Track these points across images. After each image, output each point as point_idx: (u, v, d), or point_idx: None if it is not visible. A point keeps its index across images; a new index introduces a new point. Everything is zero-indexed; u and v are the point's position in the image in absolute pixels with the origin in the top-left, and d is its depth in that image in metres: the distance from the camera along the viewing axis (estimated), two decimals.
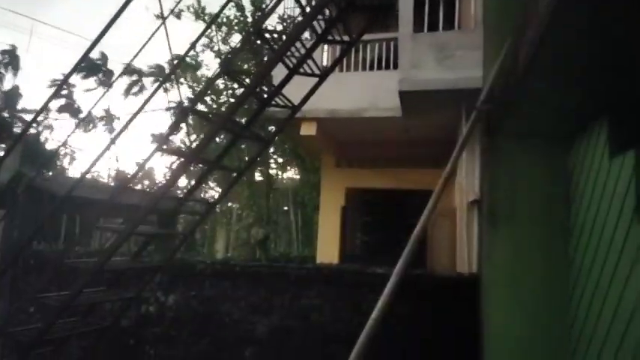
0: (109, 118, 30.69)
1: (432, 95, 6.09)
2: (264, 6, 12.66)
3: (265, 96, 3.94)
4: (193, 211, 5.19)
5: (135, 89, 27.73)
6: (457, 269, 5.94)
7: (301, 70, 3.82)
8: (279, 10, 13.06)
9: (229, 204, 21.37)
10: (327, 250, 9.48)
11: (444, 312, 4.26)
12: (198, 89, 13.57)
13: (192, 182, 6.21)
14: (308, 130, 7.95)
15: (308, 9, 3.48)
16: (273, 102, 3.99)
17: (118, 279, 3.92)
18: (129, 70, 23.94)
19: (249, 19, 13.59)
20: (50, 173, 22.06)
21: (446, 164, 2.99)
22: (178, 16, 13.97)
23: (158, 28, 3.84)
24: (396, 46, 7.40)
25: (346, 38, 3.90)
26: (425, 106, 6.51)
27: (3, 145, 27.22)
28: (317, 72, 3.92)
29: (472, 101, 3.27)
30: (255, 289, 4.69)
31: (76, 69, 4.18)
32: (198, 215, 4.44)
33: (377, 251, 9.25)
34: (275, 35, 3.74)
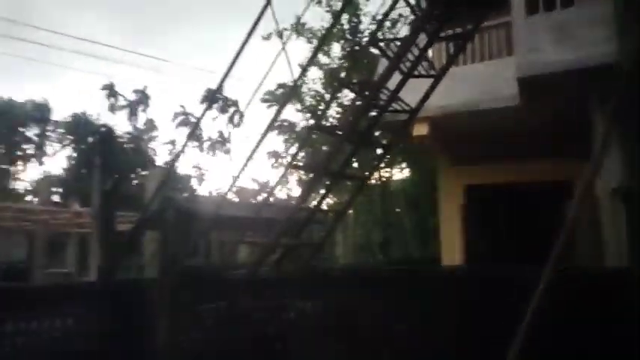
0: (225, 141, 33.32)
1: (554, 78, 5.68)
2: (373, 14, 12.70)
3: (382, 102, 4.03)
4: (322, 220, 5.46)
5: (236, 119, 30.20)
6: (606, 263, 5.40)
7: (416, 73, 3.83)
8: (372, 9, 13.12)
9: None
10: (450, 250, 9.24)
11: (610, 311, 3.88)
12: (310, 104, 14.08)
13: (317, 193, 6.50)
14: (420, 130, 7.86)
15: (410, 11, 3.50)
16: (390, 107, 4.06)
17: (263, 289, 4.28)
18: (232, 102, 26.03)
19: (345, 27, 13.82)
20: (185, 194, 24.60)
21: (571, 151, 2.78)
22: (280, 35, 14.66)
23: (278, 56, 4.17)
24: (508, 31, 7.02)
25: (458, 30, 3.83)
26: (546, 90, 6.09)
27: (144, 172, 31.10)
28: (432, 72, 3.90)
29: (598, 80, 3.00)
30: (389, 292, 4.76)
31: (209, 106, 4.66)
32: (327, 224, 4.67)
33: (502, 248, 8.78)
34: (386, 42, 3.81)
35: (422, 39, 3.89)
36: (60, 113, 34.28)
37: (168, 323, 6.07)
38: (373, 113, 4.15)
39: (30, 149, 33.79)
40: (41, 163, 34.02)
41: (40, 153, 33.91)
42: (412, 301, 4.63)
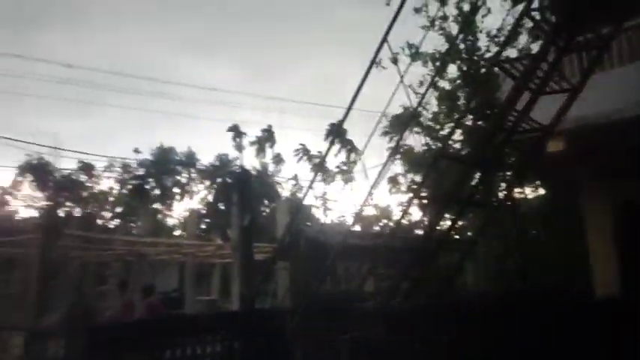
0: (347, 172, 34.29)
1: None
2: (489, 30, 12.18)
3: (510, 123, 3.82)
4: (452, 248, 5.27)
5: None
6: None
7: (547, 89, 3.58)
8: (488, 24, 12.55)
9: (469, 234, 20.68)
10: (604, 277, 8.13)
11: None
12: (432, 128, 13.74)
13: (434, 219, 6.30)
14: (556, 145, 7.21)
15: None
16: (520, 128, 3.83)
17: (395, 320, 4.24)
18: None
19: (461, 46, 13.38)
20: (312, 225, 25.59)
21: None
22: (395, 60, 14.59)
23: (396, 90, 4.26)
24: None
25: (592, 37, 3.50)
26: None
27: (272, 204, 33.24)
28: (566, 86, 3.61)
29: None
30: (545, 326, 4.33)
31: (334, 141, 4.88)
32: (457, 252, 4.49)
33: None
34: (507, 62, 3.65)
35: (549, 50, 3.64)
36: (203, 157, 39.10)
37: (303, 349, 6.29)
38: (502, 135, 3.96)
39: (178, 190, 38.76)
40: (187, 202, 38.69)
41: (186, 193, 38.70)
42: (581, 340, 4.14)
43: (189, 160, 37.72)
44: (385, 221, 33.79)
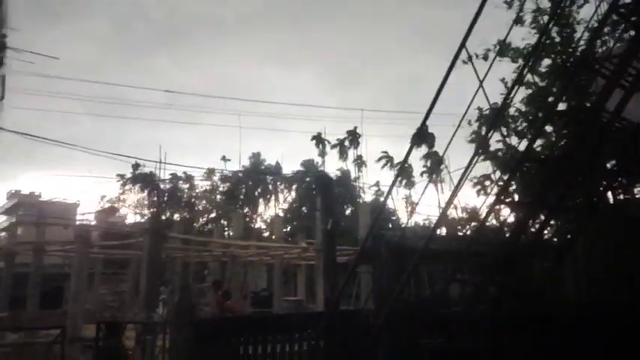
0: (431, 174, 33.64)
1: None
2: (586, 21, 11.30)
3: (603, 122, 3.61)
4: (544, 253, 5.02)
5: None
6: None
7: None
8: (585, 14, 11.60)
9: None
10: None
11: None
12: (519, 129, 13.05)
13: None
14: None
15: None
16: (613, 127, 3.61)
17: (481, 328, 4.17)
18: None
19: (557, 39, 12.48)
20: (395, 228, 25.39)
21: None
22: (485, 57, 13.93)
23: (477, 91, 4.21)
24: None
25: None
26: None
27: (353, 206, 33.47)
28: None
29: None
30: None
31: (415, 144, 4.92)
32: (549, 257, 4.30)
33: None
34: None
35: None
36: (289, 164, 41.52)
37: (386, 351, 6.34)
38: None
39: (266, 195, 40.79)
40: (274, 206, 40.50)
41: (273, 197, 40.64)
42: None
43: (276, 168, 39.78)
44: (471, 224, 32.50)
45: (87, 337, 9.92)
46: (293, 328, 5.69)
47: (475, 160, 4.55)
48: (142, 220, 34.53)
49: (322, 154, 41.52)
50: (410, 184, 37.76)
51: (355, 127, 41.79)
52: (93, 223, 24.06)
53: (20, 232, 21.51)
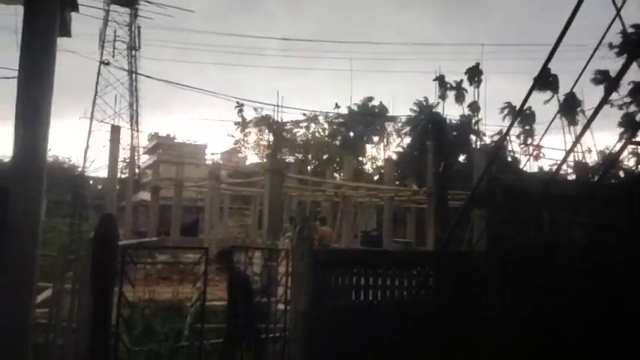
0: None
1: None
2: None
3: None
4: None
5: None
6: None
7: None
8: None
9: None
10: None
11: None
12: None
13: None
14: None
15: None
16: None
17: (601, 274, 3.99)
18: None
19: None
20: (513, 173, 23.99)
21: None
22: None
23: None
24: None
25: None
26: None
27: (470, 151, 32.04)
28: None
29: None
30: None
31: (535, 86, 4.65)
32: None
33: None
34: None
35: None
36: (402, 108, 40.44)
37: (497, 293, 6.37)
38: None
39: (377, 138, 40.80)
40: (385, 149, 40.46)
41: (384, 140, 40.50)
42: None
43: (385, 111, 39.22)
44: (598, 168, 29.27)
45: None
46: (401, 265, 5.94)
47: (603, 101, 4.15)
48: (261, 161, 37.18)
49: (443, 96, 39.44)
50: (531, 131, 34.67)
51: (477, 64, 38.59)
52: (221, 162, 26.62)
53: (161, 169, 24.67)
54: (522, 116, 32.27)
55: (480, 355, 5.65)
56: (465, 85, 39.89)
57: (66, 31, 4.59)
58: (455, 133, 34.09)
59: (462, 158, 34.74)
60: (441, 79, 39.00)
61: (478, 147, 34.59)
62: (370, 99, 40.38)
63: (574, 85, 4.67)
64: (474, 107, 38.91)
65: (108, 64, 25.55)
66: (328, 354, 5.06)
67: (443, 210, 9.01)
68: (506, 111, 38.12)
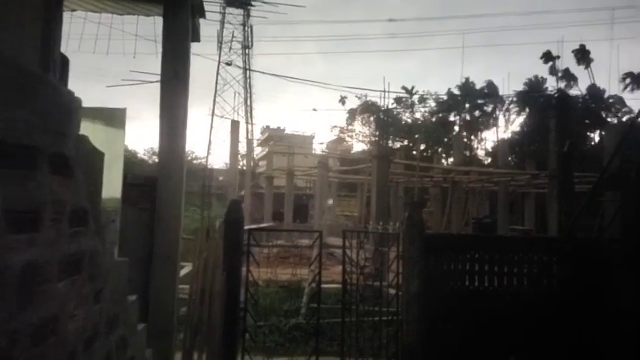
0: None
1: None
2: None
3: None
4: None
5: None
6: None
7: None
8: None
9: None
10: None
11: None
12: None
13: None
14: None
15: None
16: None
17: None
18: None
19: None
20: None
21: None
22: None
23: None
24: None
25: None
26: None
27: (599, 132, 28.70)
28: None
29: None
30: None
31: None
32: None
33: None
34: None
35: None
36: (514, 85, 37.39)
37: (632, 284, 5.78)
38: None
39: (486, 120, 38.40)
40: (499, 130, 37.96)
41: (494, 122, 37.96)
42: None
43: (492, 90, 36.60)
44: None
45: (330, 244, 11.96)
46: (518, 251, 5.68)
47: None
48: (367, 148, 37.36)
49: (554, 72, 35.61)
50: None
51: (583, 46, 34.26)
52: (328, 152, 27.40)
53: (274, 160, 26.12)
54: None
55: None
56: (574, 68, 35.55)
57: (196, 37, 5.17)
58: (580, 108, 30.68)
59: (593, 138, 31.24)
60: (547, 55, 35.26)
61: (610, 124, 30.80)
62: (467, 81, 37.94)
63: None
64: (592, 89, 34.49)
65: (230, 64, 27.62)
66: (440, 337, 5.08)
67: (568, 194, 8.23)
68: (628, 80, 32.88)
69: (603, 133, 29.50)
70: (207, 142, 25.57)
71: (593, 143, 30.10)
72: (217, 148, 43.90)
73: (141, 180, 4.28)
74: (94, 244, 1.81)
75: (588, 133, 31.77)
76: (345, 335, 5.70)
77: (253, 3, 27.42)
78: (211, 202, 17.20)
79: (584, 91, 34.33)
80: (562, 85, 34.97)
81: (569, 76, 35.19)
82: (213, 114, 27.42)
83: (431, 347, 5.10)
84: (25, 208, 1.18)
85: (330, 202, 18.00)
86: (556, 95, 27.90)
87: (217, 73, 28.16)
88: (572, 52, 35.12)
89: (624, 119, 30.35)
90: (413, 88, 40.62)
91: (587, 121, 30.13)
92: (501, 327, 5.25)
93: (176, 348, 4.52)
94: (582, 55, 34.92)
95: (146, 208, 4.22)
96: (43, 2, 4.45)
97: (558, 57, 35.32)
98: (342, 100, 37.15)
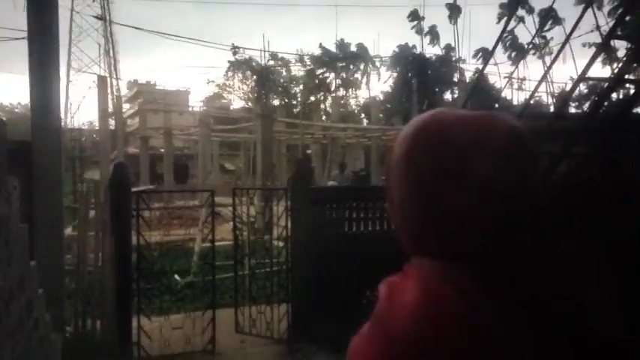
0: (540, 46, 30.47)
1: None
2: None
3: None
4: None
5: None
6: None
7: None
8: None
9: None
10: None
11: None
12: None
13: None
14: None
15: None
16: None
17: None
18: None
19: None
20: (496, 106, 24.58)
21: None
22: None
23: None
24: None
25: None
26: None
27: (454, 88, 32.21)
28: None
29: None
30: None
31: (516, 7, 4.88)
32: None
33: None
34: None
35: None
36: (387, 45, 39.36)
37: None
38: None
39: (362, 79, 40.50)
40: (370, 90, 40.32)
41: (366, 82, 40.25)
42: None
43: (363, 51, 38.64)
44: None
45: (218, 204, 12.03)
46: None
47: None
48: (247, 105, 36.88)
49: (420, 31, 38.71)
50: (517, 59, 34.27)
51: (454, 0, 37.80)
52: (205, 109, 26.52)
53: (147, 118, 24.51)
54: (498, 41, 32.04)
55: None
56: (445, 22, 39.13)
57: None
58: (436, 70, 33.96)
59: (447, 96, 34.90)
60: (414, 14, 38.32)
61: (461, 81, 34.68)
62: (343, 42, 39.54)
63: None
64: (448, 49, 38.39)
65: (101, 18, 24.47)
66: (323, 278, 5.66)
67: None
68: (480, 54, 37.43)
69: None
70: (66, 98, 22.95)
71: (450, 100, 33.70)
72: (78, 105, 39.43)
73: (14, 145, 3.96)
74: (5, 210, 1.85)
75: (445, 92, 35.49)
76: (239, 287, 6.04)
77: None
78: (82, 166, 15.76)
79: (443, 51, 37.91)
80: (427, 43, 38.20)
81: (434, 35, 38.43)
82: (69, 67, 24.49)
83: (315, 289, 5.66)
84: None
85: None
86: (416, 58, 30.40)
87: (71, 19, 24.96)
88: (446, 5, 38.04)
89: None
90: (297, 51, 40.78)
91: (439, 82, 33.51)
92: (371, 265, 5.91)
93: (68, 315, 4.43)
94: (452, 11, 38.18)
95: (22, 174, 3.94)
96: None
97: (424, 18, 38.34)
98: (234, 50, 35.50)
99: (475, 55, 37.56)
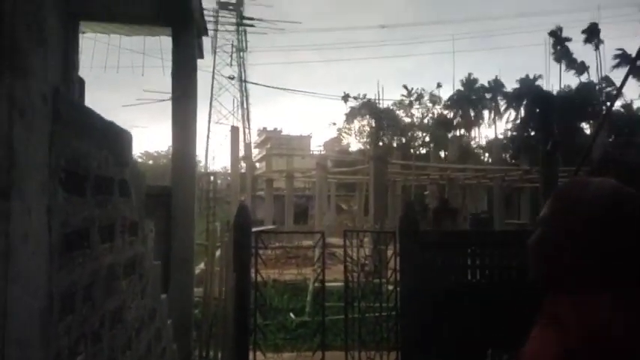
0: None
1: None
2: None
3: None
4: None
5: None
6: None
7: None
8: None
9: None
10: None
11: None
12: None
13: None
14: None
15: None
16: None
17: None
18: None
19: None
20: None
21: None
22: None
23: None
24: None
25: None
26: None
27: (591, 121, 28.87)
28: None
29: None
30: None
31: None
32: None
33: None
34: None
35: None
36: (509, 83, 37.34)
37: None
38: None
39: (484, 116, 38.88)
40: (493, 128, 38.43)
41: (491, 118, 38.43)
42: None
43: (494, 87, 37.03)
44: None
45: (331, 244, 12.34)
46: (510, 244, 5.88)
47: None
48: (364, 147, 37.67)
49: (559, 59, 34.89)
50: None
51: (595, 23, 33.89)
52: (325, 152, 27.78)
53: (273, 161, 26.49)
54: (634, 61, 27.59)
55: None
56: (581, 47, 35.42)
57: (200, 54, 5.53)
58: (573, 100, 30.85)
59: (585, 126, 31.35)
60: (555, 34, 34.71)
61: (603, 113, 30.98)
62: (470, 78, 38.34)
63: None
64: (581, 68, 34.20)
65: (233, 78, 28.15)
66: (435, 328, 5.39)
67: (550, 188, 8.55)
68: (617, 60, 31.88)
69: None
70: (206, 146, 25.96)
71: (588, 133, 30.39)
72: (215, 152, 44.48)
73: (158, 190, 4.64)
74: (142, 250, 2.21)
75: (582, 124, 32.02)
76: (349, 330, 6.04)
77: (253, 23, 27.93)
78: (215, 207, 17.54)
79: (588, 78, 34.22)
80: (571, 73, 34.67)
81: (572, 62, 34.62)
82: (210, 119, 27.83)
83: (427, 339, 5.40)
84: (105, 223, 1.56)
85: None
86: (539, 93, 28.15)
87: (213, 78, 28.59)
88: (582, 32, 34.40)
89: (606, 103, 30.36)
90: (413, 89, 41.06)
91: (576, 114, 30.36)
92: (493, 319, 5.44)
93: (194, 344, 4.88)
94: (591, 34, 34.19)
95: (163, 216, 4.58)
96: (62, 28, 4.83)
97: (568, 39, 34.29)
98: (345, 98, 37.44)
99: (615, 57, 32.45)
